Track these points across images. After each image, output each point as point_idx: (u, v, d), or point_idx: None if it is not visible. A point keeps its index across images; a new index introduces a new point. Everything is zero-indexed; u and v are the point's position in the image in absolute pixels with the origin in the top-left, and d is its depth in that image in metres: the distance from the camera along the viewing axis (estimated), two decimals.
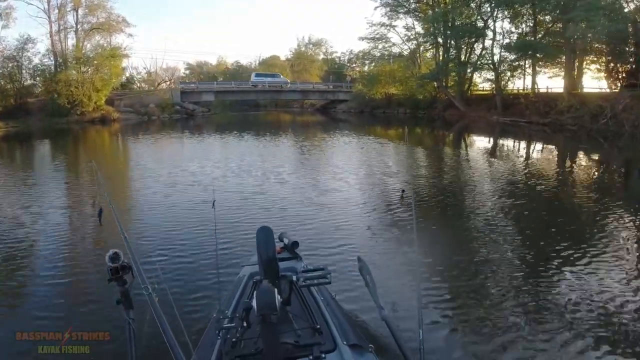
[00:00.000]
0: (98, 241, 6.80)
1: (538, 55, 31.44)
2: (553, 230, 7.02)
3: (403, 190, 9.59)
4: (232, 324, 2.09)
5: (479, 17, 36.29)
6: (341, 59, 71.76)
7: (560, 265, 5.49)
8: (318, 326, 2.22)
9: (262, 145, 21.89)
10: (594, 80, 31.96)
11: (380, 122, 37.37)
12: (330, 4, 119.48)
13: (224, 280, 4.24)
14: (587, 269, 5.35)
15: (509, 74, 35.33)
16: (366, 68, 51.64)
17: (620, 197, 9.72)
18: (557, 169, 14.48)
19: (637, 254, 6.18)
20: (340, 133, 27.18)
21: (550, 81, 34.61)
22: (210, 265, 5.22)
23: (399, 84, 43.36)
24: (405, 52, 44.04)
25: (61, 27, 39.24)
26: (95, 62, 37.38)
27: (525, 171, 13.30)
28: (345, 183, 10.97)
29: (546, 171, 13.82)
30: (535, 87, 33.51)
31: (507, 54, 34.04)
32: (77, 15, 39.48)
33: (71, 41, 39.85)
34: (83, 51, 38.72)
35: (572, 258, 5.72)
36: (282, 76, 52.30)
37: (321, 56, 72.08)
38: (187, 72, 72.14)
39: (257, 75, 51.29)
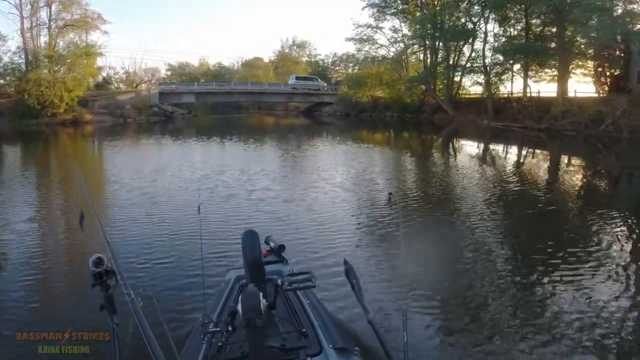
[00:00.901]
0: (79, 246, 6.52)
1: (531, 58, 30.64)
2: (541, 236, 6.98)
3: (390, 194, 9.60)
4: (218, 329, 2.08)
5: (468, 20, 35.48)
6: (324, 61, 71.07)
7: (547, 271, 5.44)
8: (304, 330, 2.21)
9: (244, 150, 20.78)
10: (581, 85, 31.46)
11: (367, 126, 36.24)
12: (313, 7, 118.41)
13: (210, 284, 4.22)
14: (574, 275, 5.29)
15: (500, 77, 34.61)
16: (351, 70, 50.61)
17: (617, 206, 9.10)
18: (552, 176, 13.93)
19: (625, 261, 5.93)
20: (326, 137, 26.36)
21: (539, 85, 33.99)
22: (196, 269, 5.08)
23: (386, 87, 42.30)
24: (392, 55, 43.12)
25: (33, 24, 37.49)
26: (67, 60, 35.65)
27: (518, 178, 12.88)
28: (331, 187, 10.76)
29: (541, 178, 13.47)
30: (528, 90, 32.64)
31: (499, 56, 33.25)
32: (50, 11, 37.62)
33: (44, 38, 38.07)
34: (56, 49, 36.89)
35: (558, 264, 5.65)
36: (319, 80, 51.74)
37: (305, 58, 70.98)
38: (169, 73, 70.94)
39: (297, 78, 50.99)
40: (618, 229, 7.42)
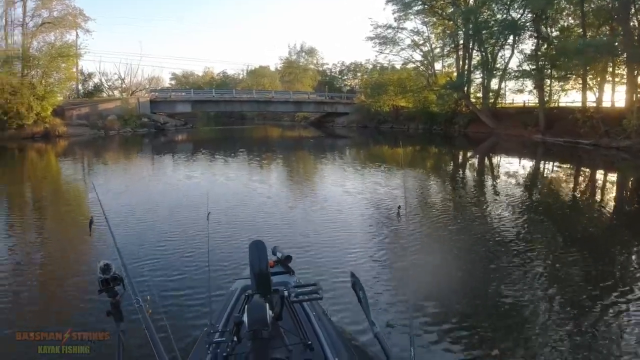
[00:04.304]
0: (88, 251, 6.72)
1: (597, 58, 24.21)
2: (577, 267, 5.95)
3: (399, 207, 8.91)
4: (223, 339, 2.08)
5: (507, 14, 29.91)
6: (332, 70, 66.60)
7: (563, 290, 5.12)
8: (309, 342, 2.16)
9: (249, 165, 16.00)
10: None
11: (387, 140, 30.82)
12: (319, 17, 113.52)
13: (215, 293, 4.12)
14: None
15: (563, 81, 28.20)
16: (367, 76, 45.45)
17: None
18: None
19: None
20: (339, 153, 21.81)
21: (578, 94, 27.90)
22: (203, 279, 5.14)
23: (410, 95, 36.89)
24: (417, 59, 37.63)
25: (7, 22, 32.74)
26: (37, 62, 30.41)
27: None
28: (341, 202, 9.96)
29: None
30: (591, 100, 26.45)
31: (562, 57, 26.23)
32: (24, 7, 32.63)
33: (16, 38, 33.08)
34: (31, 51, 31.64)
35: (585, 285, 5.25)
36: None
37: (312, 66, 65.93)
38: (173, 82, 68.03)
39: None
40: None
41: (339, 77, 64.85)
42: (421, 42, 36.99)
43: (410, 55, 37.62)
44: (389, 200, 10.08)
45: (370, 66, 49.93)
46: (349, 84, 60.85)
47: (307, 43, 69.69)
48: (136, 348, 2.74)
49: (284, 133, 41.28)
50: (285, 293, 2.24)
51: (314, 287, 2.22)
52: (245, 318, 1.97)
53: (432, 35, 36.56)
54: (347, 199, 10.25)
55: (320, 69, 65.89)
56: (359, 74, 60.57)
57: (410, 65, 38.22)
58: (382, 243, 6.93)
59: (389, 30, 36.76)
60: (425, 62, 37.16)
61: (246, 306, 2.09)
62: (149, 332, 1.82)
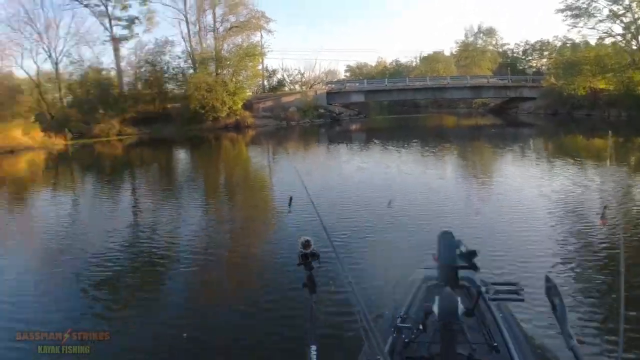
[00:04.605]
0: (287, 227, 7.30)
1: None
2: None
3: (605, 207, 7.94)
4: (408, 325, 2.11)
5: None
6: (514, 51, 61.00)
7: None
8: (495, 344, 2.05)
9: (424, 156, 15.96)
10: None
11: (582, 128, 26.89)
12: None
13: (398, 279, 3.75)
14: None
15: None
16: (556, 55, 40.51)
17: None
18: None
19: None
20: (525, 144, 19.27)
21: None
22: (381, 264, 5.16)
23: (611, 75, 31.67)
24: (617, 31, 32.18)
25: (200, 28, 37.24)
26: (228, 62, 34.28)
27: None
28: (531, 200, 8.81)
29: None
30: None
31: None
32: (214, 14, 36.79)
33: (209, 42, 37.39)
34: (222, 53, 35.95)
35: None
36: None
37: (490, 47, 61.29)
38: (347, 74, 70.04)
39: None
40: None
41: (522, 58, 59.18)
42: (621, 11, 31.58)
43: (609, 28, 32.38)
44: (590, 201, 8.70)
45: (559, 43, 44.30)
46: (534, 65, 55.05)
47: (484, 23, 64.60)
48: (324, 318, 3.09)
49: (460, 121, 39.21)
50: (483, 289, 2.17)
51: (513, 286, 2.17)
52: (435, 308, 1.93)
53: (634, 4, 30.84)
54: (539, 198, 9.02)
55: (500, 50, 61.18)
56: (545, 53, 54.63)
57: (609, 40, 32.87)
58: (583, 247, 6.10)
59: (583, 0, 32.12)
60: (628, 35, 31.50)
61: (437, 297, 2.02)
62: (360, 307, 1.73)
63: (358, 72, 71.42)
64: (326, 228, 2.30)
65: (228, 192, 12.43)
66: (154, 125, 32.51)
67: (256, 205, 10.17)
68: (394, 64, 72.43)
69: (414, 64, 67.93)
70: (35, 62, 34.91)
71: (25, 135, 26.64)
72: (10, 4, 34.53)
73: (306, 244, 2.09)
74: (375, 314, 2.95)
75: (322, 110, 37.42)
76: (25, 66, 35.73)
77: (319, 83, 48.24)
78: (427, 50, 67.14)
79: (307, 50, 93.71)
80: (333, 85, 42.72)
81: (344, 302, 3.26)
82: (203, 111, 31.87)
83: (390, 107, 57.59)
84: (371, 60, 76.07)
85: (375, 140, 23.65)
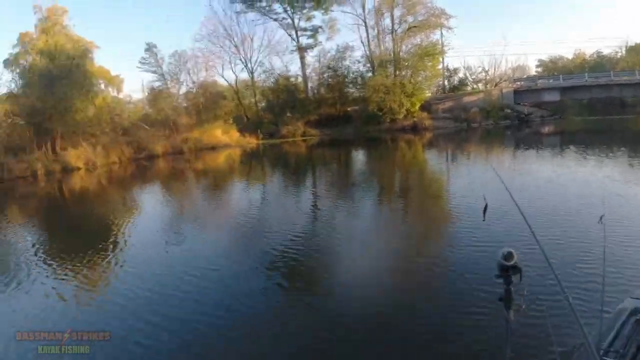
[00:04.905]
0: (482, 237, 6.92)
1: None
2: None
3: None
4: (611, 359, 2.04)
5: None
6: None
7: None
8: None
9: None
10: None
11: None
12: None
13: (606, 308, 3.19)
14: None
15: None
16: None
17: None
18: None
19: None
20: None
21: None
22: (592, 288, 4.63)
23: None
24: None
25: (378, 31, 37.50)
26: (406, 63, 33.96)
27: None
28: None
29: None
30: None
31: None
32: (392, 16, 36.50)
33: (388, 44, 37.35)
34: (401, 54, 35.63)
35: None
36: None
37: None
38: (539, 69, 62.58)
39: None
40: None
41: None
42: None
43: None
44: None
45: None
46: None
47: None
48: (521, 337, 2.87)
49: None
50: None
51: None
52: None
53: None
54: None
55: None
56: None
57: None
58: None
59: None
60: None
61: None
62: (580, 326, 1.63)
63: (551, 67, 63.02)
64: (539, 242, 2.09)
65: (410, 194, 12.29)
66: (334, 127, 34.45)
67: (442, 210, 9.90)
68: (594, 55, 63.03)
69: (619, 55, 58.22)
70: (234, 72, 40.19)
71: (224, 134, 31.39)
72: (210, 22, 39.38)
73: (508, 256, 1.93)
74: (575, 342, 2.74)
75: (508, 111, 34.33)
76: (226, 75, 41.90)
77: (505, 80, 44.70)
78: (636, 39, 57.16)
79: (492, 45, 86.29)
80: (522, 83, 38.98)
81: (542, 324, 3.16)
82: (381, 113, 32.23)
83: (590, 107, 50.28)
84: (567, 53, 67.78)
85: (572, 147, 19.65)
